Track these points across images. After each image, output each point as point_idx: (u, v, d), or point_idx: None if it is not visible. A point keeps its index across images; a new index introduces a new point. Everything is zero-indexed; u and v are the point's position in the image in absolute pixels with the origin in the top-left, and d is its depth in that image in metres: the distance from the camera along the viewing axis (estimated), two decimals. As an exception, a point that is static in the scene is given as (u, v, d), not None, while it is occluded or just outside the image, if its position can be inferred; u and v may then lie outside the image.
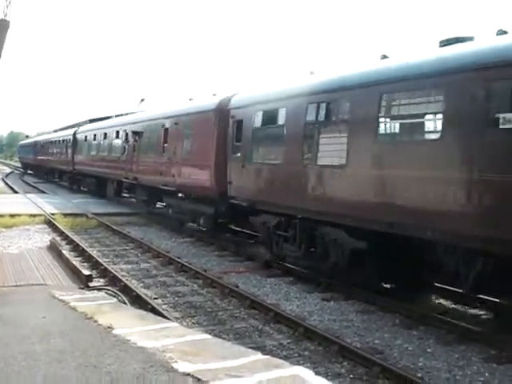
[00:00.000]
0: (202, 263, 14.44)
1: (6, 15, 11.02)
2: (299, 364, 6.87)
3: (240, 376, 5.28)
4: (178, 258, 14.66)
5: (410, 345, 8.53)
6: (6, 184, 43.79)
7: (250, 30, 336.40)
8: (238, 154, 15.20)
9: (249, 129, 14.74)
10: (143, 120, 24.46)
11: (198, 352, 6.05)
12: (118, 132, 28.07)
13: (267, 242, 14.29)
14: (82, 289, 10.44)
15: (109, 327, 6.97)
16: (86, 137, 35.41)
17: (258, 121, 14.44)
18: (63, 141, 42.22)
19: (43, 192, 36.02)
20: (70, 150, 38.72)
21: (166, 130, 20.76)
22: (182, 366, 5.46)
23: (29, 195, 31.86)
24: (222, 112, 16.51)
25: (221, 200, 16.24)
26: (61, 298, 8.92)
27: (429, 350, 8.33)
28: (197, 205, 18.27)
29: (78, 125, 43.20)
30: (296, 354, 8.08)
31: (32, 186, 41.88)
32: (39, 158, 55.41)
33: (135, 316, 8.13)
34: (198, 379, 5.12)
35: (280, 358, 7.16)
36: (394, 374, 7.18)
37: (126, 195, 28.93)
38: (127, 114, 31.12)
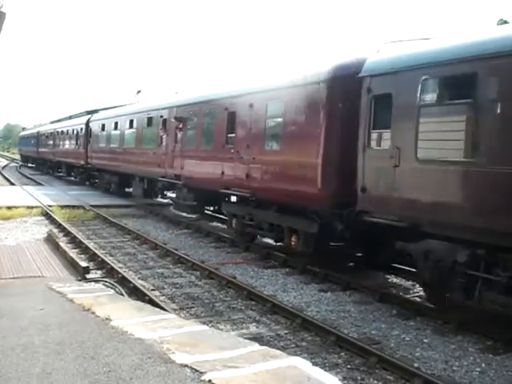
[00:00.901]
0: (200, 254, 14.45)
1: (1, 6, 10.96)
2: (296, 355, 6.89)
3: (237, 367, 5.31)
4: (176, 249, 14.67)
5: (407, 335, 8.56)
6: (3, 176, 43.67)
7: (246, 21, 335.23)
8: (386, 147, 9.93)
9: (410, 107, 9.36)
10: (193, 102, 18.76)
11: (196, 343, 6.07)
12: (150, 119, 22.68)
13: (439, 285, 9.25)
14: (80, 280, 10.45)
15: (106, 319, 6.99)
16: (103, 125, 30.19)
17: (431, 93, 9.12)
18: (73, 131, 37.28)
19: (40, 184, 35.94)
20: (81, 142, 34.19)
21: (233, 114, 15.43)
22: (180, 357, 5.48)
23: (26, 187, 31.80)
24: (340, 83, 11.33)
25: (333, 214, 11.52)
26: (58, 289, 8.93)
27: (425, 340, 8.36)
28: (284, 217, 13.35)
29: (91, 112, 38.67)
30: (293, 345, 8.11)
31: (29, 178, 41.76)
32: (42, 150, 50.89)
33: (133, 307, 8.15)
34: (196, 370, 5.15)
35: (277, 348, 7.18)
36: (390, 364, 7.21)
37: (161, 197, 24.81)
38: (148, 99, 27.19)
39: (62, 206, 22.44)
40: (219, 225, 19.11)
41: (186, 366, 5.26)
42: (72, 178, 39.92)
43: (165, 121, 20.85)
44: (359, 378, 6.98)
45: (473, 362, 7.57)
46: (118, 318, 7.07)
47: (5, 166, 62.23)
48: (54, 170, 46.99)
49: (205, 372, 5.09)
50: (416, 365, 7.34)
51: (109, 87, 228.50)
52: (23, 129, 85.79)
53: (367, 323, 9.12)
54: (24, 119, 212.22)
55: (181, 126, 19.18)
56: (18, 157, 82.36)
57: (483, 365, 7.46)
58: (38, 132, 54.87)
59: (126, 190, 27.55)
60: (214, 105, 16.89)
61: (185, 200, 19.24)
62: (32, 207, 21.86)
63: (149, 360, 5.44)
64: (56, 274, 10.89)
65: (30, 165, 61.94)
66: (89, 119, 33.54)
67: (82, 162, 33.68)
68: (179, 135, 19.38)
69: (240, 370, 5.22)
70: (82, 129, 34.35)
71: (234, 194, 15.82)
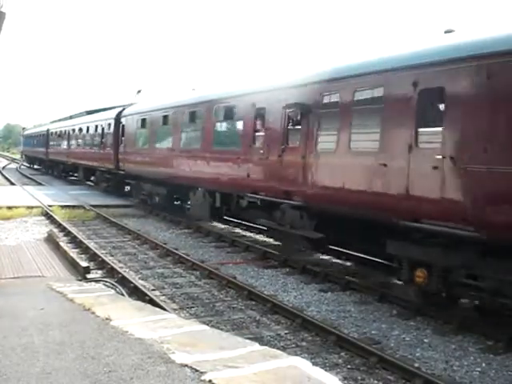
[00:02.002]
0: (200, 254, 14.45)
1: (1, 6, 10.97)
2: (297, 354, 6.89)
3: (237, 367, 5.31)
4: (176, 249, 14.67)
5: (407, 335, 8.57)
6: (3, 176, 43.66)
7: (247, 20, 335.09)
8: None
9: None
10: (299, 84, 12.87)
11: (196, 343, 6.07)
12: (231, 109, 15.96)
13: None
14: (80, 280, 10.45)
15: (107, 319, 6.99)
16: (143, 121, 23.49)
17: None
18: (95, 128, 31.15)
19: (40, 184, 35.92)
20: (109, 141, 27.99)
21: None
22: (180, 357, 5.48)
23: (26, 187, 31.80)
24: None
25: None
26: (59, 289, 8.93)
27: (426, 340, 8.37)
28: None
29: (91, 112, 36.84)
30: (293, 345, 8.11)
31: (29, 178, 41.75)
32: (53, 150, 44.25)
33: (133, 307, 8.14)
34: (196, 370, 5.14)
35: (277, 348, 7.19)
36: (391, 364, 7.22)
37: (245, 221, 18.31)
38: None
39: (63, 206, 22.44)
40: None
41: (186, 365, 5.26)
42: (89, 184, 34.47)
43: (262, 113, 14.18)
44: (359, 377, 6.98)
45: (473, 361, 7.57)
46: (118, 317, 7.07)
47: (4, 166, 62.04)
48: (67, 173, 41.34)
49: (205, 372, 5.09)
50: (416, 365, 7.34)
51: (109, 87, 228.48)
52: (23, 129, 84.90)
53: (367, 323, 9.12)
54: (24, 119, 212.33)
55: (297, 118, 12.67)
56: (18, 157, 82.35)
57: (483, 365, 7.46)
58: (47, 130, 48.29)
59: (177, 204, 22.50)
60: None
61: (302, 228, 12.72)
62: (32, 207, 21.87)
63: (149, 360, 5.44)
64: (56, 273, 10.89)
65: (36, 167, 57.13)
66: (120, 113, 27.01)
67: (110, 167, 27.24)
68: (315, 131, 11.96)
69: (240, 370, 5.22)
70: (109, 125, 28.07)
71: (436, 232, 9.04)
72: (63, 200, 24.91)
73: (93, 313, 7.32)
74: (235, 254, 14.79)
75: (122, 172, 25.92)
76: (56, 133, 43.87)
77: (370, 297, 10.53)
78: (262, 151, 13.91)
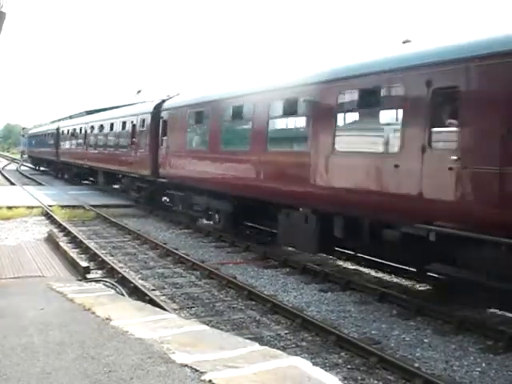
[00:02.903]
0: (200, 254, 14.45)
1: (1, 6, 10.98)
2: (297, 354, 6.89)
3: (238, 367, 5.31)
4: (176, 249, 14.67)
5: (407, 335, 8.56)
6: (3, 176, 43.64)
7: (247, 20, 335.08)
8: None
9: None
10: None
11: (196, 343, 6.07)
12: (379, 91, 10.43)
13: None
14: (80, 280, 10.45)
15: (107, 319, 6.99)
16: (198, 114, 18.04)
17: None
18: (123, 125, 25.80)
19: (40, 184, 35.91)
20: (144, 141, 22.47)
21: None
22: (180, 357, 5.48)
23: (26, 187, 31.78)
24: None
25: None
26: (59, 289, 8.93)
27: (426, 340, 8.36)
28: None
29: (91, 112, 35.31)
30: (293, 345, 8.11)
31: (29, 178, 41.73)
32: (66, 152, 38.80)
33: (133, 307, 8.14)
34: (196, 370, 5.14)
35: (277, 348, 7.19)
36: (391, 364, 7.22)
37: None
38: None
39: (63, 206, 22.45)
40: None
41: (186, 365, 5.25)
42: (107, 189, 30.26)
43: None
44: (359, 377, 6.98)
45: (473, 361, 7.57)
46: (118, 317, 7.06)
47: (4, 166, 61.95)
48: (82, 177, 36.32)
49: (205, 372, 5.09)
50: (416, 365, 7.34)
51: (109, 87, 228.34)
52: (23, 129, 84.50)
53: (367, 323, 9.12)
54: (24, 119, 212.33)
55: None
56: (18, 157, 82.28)
57: (484, 365, 7.46)
58: (58, 128, 42.63)
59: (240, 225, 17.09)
60: None
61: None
62: (32, 207, 21.87)
63: (149, 360, 5.43)
64: (56, 273, 10.89)
65: (43, 169, 52.04)
66: (159, 105, 21.48)
67: (145, 173, 22.04)
68: None
69: (240, 370, 5.22)
70: (143, 121, 22.81)
71: None
72: (63, 200, 24.92)
73: (93, 313, 7.32)
74: (235, 254, 14.79)
75: (163, 180, 20.54)
76: (69, 131, 38.26)
77: (370, 297, 10.53)
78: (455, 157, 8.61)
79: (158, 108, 21.61)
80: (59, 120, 50.23)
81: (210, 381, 4.91)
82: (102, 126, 29.99)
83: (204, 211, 18.04)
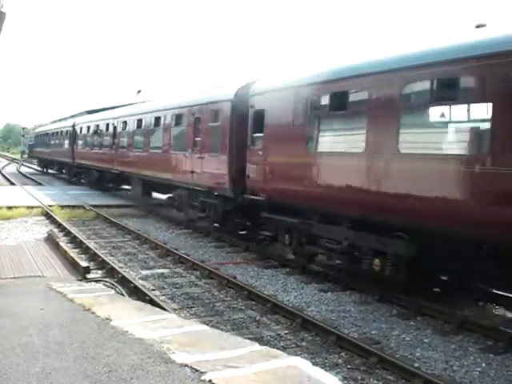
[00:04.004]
0: (200, 254, 14.45)
1: (1, 6, 10.98)
2: (297, 354, 6.89)
3: (238, 367, 5.31)
4: (176, 249, 14.67)
5: (407, 335, 8.56)
6: (3, 176, 43.63)
7: (247, 20, 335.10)
8: None
9: None
10: None
11: (196, 343, 6.07)
12: None
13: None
14: (80, 280, 10.46)
15: (107, 319, 6.99)
16: (340, 95, 11.16)
17: None
18: (179, 118, 19.29)
19: (40, 184, 35.89)
20: (218, 141, 16.15)
21: None
22: (180, 357, 5.48)
23: (26, 187, 31.77)
24: None
25: None
26: (59, 289, 8.93)
27: (426, 340, 8.37)
28: None
29: (91, 112, 32.65)
30: (293, 345, 8.11)
31: (29, 178, 41.72)
32: (84, 153, 33.10)
33: (133, 307, 8.14)
34: (196, 370, 5.14)
35: (278, 348, 7.20)
36: (391, 364, 7.22)
37: None
38: None
39: (63, 206, 22.44)
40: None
41: (186, 365, 5.25)
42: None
43: None
44: (359, 377, 6.99)
45: (473, 361, 7.57)
46: (118, 317, 7.06)
47: (5, 165, 61.89)
48: (109, 184, 30.07)
49: (205, 372, 5.09)
50: (416, 365, 7.34)
51: (109, 87, 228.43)
52: (23, 129, 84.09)
53: (367, 323, 9.12)
54: (24, 119, 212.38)
55: None
56: (18, 157, 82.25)
57: (484, 365, 7.46)
58: (74, 125, 36.58)
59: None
60: None
61: None
62: (32, 207, 21.86)
63: (149, 360, 5.43)
64: (56, 273, 10.90)
65: (52, 171, 47.55)
66: (244, 90, 15.25)
67: (220, 185, 15.87)
68: None
69: (240, 370, 5.22)
70: (215, 113, 16.52)
71: None
72: (63, 200, 24.91)
73: (93, 313, 7.32)
74: (235, 254, 14.79)
75: (254, 197, 14.14)
76: (89, 129, 32.33)
77: (370, 297, 10.53)
78: None
79: (242, 94, 15.16)
80: (73, 116, 43.97)
81: (209, 381, 4.91)
82: (140, 122, 23.52)
83: (345, 253, 11.24)
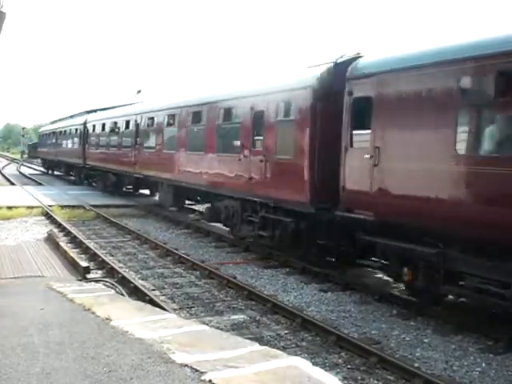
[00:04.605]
0: (200, 254, 14.45)
1: (1, 6, 10.99)
2: (297, 354, 6.90)
3: (238, 367, 5.31)
4: (176, 249, 14.67)
5: (407, 335, 8.56)
6: (3, 176, 43.63)
7: (246, 20, 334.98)
8: None
9: None
10: None
11: (196, 343, 6.07)
12: None
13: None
14: (80, 280, 10.46)
15: (107, 318, 6.99)
16: None
17: None
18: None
19: (40, 184, 35.87)
20: (299, 139, 12.16)
21: None
22: (180, 357, 5.48)
23: (26, 187, 31.75)
24: None
25: None
26: (59, 289, 8.93)
27: (426, 340, 8.37)
28: None
29: (90, 112, 31.13)
30: (293, 345, 8.12)
31: (29, 178, 41.70)
32: (97, 153, 29.76)
33: (133, 307, 8.15)
34: (196, 370, 5.14)
35: (277, 348, 7.20)
36: (391, 364, 7.22)
37: None
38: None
39: (63, 206, 22.43)
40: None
41: (186, 365, 5.26)
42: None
43: None
44: (359, 377, 6.99)
45: (473, 361, 7.57)
46: (118, 317, 7.07)
47: (5, 165, 61.83)
48: (122, 187, 27.44)
49: (205, 372, 5.09)
50: (416, 365, 7.34)
51: (109, 87, 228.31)
52: (23, 129, 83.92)
53: (367, 323, 9.12)
54: (24, 119, 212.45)
55: None
56: (18, 157, 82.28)
57: (483, 365, 7.46)
58: (85, 123, 32.88)
59: None
60: None
61: None
62: (32, 207, 21.85)
63: (149, 360, 5.44)
64: (56, 273, 10.90)
65: (57, 173, 44.33)
66: (338, 70, 11.41)
67: (303, 198, 11.90)
68: None
69: (240, 370, 5.22)
70: (287, 105, 12.95)
71: None
72: (63, 200, 24.89)
73: (93, 313, 7.32)
74: (235, 254, 14.78)
75: (367, 218, 10.17)
76: (104, 126, 28.66)
77: (370, 297, 10.53)
78: None
79: (329, 77, 11.64)
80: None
81: (209, 381, 4.91)
82: (172, 117, 19.84)
83: None
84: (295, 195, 12.20)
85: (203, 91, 18.73)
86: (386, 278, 11.38)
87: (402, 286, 10.53)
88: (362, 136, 10.51)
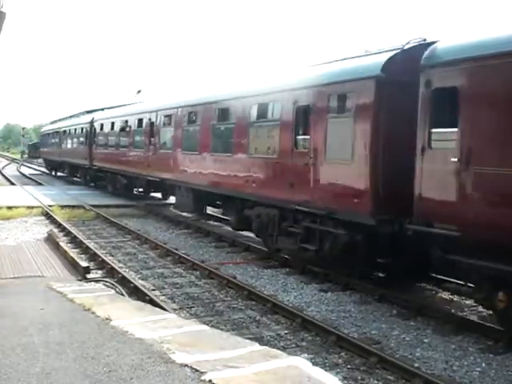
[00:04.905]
0: (200, 254, 14.45)
1: (1, 6, 10.99)
2: (297, 354, 6.90)
3: (238, 367, 5.31)
4: (176, 249, 14.67)
5: (407, 335, 8.56)
6: (3, 176, 43.62)
7: (246, 20, 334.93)
8: None
9: None
10: None
11: (196, 343, 6.07)
12: None
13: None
14: (80, 280, 10.46)
15: (107, 319, 6.99)
16: None
17: None
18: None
19: (40, 184, 35.87)
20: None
21: None
22: (180, 357, 5.48)
23: (26, 187, 31.75)
24: None
25: None
26: (59, 289, 8.93)
27: (426, 340, 8.36)
28: None
29: (90, 112, 30.08)
30: (293, 345, 8.12)
31: (29, 178, 41.69)
32: (106, 153, 27.96)
33: (133, 307, 8.15)
34: (196, 370, 5.14)
35: (278, 348, 7.20)
36: (391, 364, 7.22)
37: None
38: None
39: (63, 206, 22.44)
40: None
41: (186, 365, 5.26)
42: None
43: None
44: (359, 377, 6.99)
45: (473, 361, 7.57)
46: (118, 317, 7.07)
47: (5, 165, 61.81)
48: (131, 189, 25.85)
49: (205, 372, 5.09)
50: (416, 365, 7.34)
51: (109, 87, 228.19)
52: (23, 129, 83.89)
53: (367, 323, 9.12)
54: (24, 119, 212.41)
55: None
56: (18, 157, 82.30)
57: (483, 365, 7.46)
58: (92, 122, 31.01)
59: None
60: None
61: None
62: (32, 207, 21.86)
63: (149, 360, 5.44)
64: (56, 273, 10.90)
65: (61, 174, 42.88)
66: (412, 53, 9.62)
67: (363, 208, 10.28)
68: None
69: (240, 370, 5.22)
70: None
71: None
72: (63, 200, 24.89)
73: (93, 313, 7.32)
74: (235, 254, 14.78)
75: (452, 233, 8.28)
76: (113, 125, 26.94)
77: (370, 297, 10.52)
78: None
79: (397, 66, 10.03)
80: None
81: (210, 381, 4.91)
82: (193, 115, 17.98)
83: None
84: (352, 204, 10.50)
85: (230, 86, 16.81)
86: (452, 297, 10.47)
87: (483, 311, 9.29)
88: (444, 135, 8.76)
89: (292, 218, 12.54)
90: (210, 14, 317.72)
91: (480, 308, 9.42)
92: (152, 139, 21.34)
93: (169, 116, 20.02)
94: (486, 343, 8.21)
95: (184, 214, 20.64)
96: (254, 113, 14.13)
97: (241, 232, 16.43)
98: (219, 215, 19.75)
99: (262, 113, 13.90)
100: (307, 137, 11.90)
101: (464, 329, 8.70)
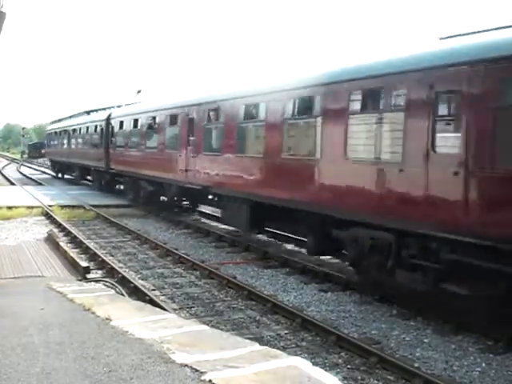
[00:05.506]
0: (200, 254, 14.45)
1: (1, 6, 10.99)
2: (297, 354, 6.89)
3: (238, 367, 5.31)
4: (176, 249, 14.67)
5: (407, 335, 8.56)
6: (3, 176, 43.61)
7: (246, 20, 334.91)
8: None
9: None
10: None
11: (196, 343, 6.07)
12: None
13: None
14: (80, 280, 10.46)
15: (107, 318, 6.99)
16: None
17: None
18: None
19: (40, 184, 35.86)
20: None
21: None
22: (180, 357, 5.48)
23: (26, 187, 31.75)
24: None
25: None
26: (59, 289, 8.93)
27: (426, 340, 8.37)
28: None
29: (90, 112, 29.47)
30: (293, 345, 8.12)
31: (29, 178, 41.69)
32: (125, 155, 24.39)
33: (133, 307, 8.14)
34: (196, 370, 5.14)
35: (277, 348, 7.20)
36: (391, 364, 7.22)
37: None
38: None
39: (63, 206, 22.44)
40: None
41: (186, 365, 5.25)
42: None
43: None
44: (359, 377, 6.99)
45: (473, 361, 7.57)
46: (118, 317, 7.07)
47: (5, 165, 61.80)
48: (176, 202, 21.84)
49: (205, 372, 5.09)
50: (416, 365, 7.35)
51: (109, 87, 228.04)
52: (23, 129, 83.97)
53: (367, 323, 9.12)
54: (24, 119, 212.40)
55: None
56: (18, 157, 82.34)
57: (483, 365, 7.47)
58: (108, 119, 27.55)
59: None
60: None
61: None
62: (32, 207, 21.86)
63: (149, 360, 5.43)
64: (56, 273, 10.90)
65: (68, 177, 39.29)
66: None
67: None
68: None
69: (240, 370, 5.22)
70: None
71: None
72: (63, 200, 24.89)
73: (93, 313, 7.32)
74: (235, 254, 14.78)
75: None
76: (137, 122, 23.22)
77: (370, 297, 10.52)
78: None
79: None
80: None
81: (209, 381, 4.91)
82: (255, 108, 14.17)
83: None
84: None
85: (283, 75, 13.52)
86: None
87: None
88: None
89: (417, 246, 9.07)
90: (210, 14, 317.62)
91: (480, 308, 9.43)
92: (190, 138, 17.56)
93: (215, 110, 16.21)
94: (486, 343, 8.21)
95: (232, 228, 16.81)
96: (357, 101, 10.31)
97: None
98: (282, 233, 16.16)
99: (365, 105, 10.24)
100: (442, 134, 8.44)
101: (464, 329, 8.70)
